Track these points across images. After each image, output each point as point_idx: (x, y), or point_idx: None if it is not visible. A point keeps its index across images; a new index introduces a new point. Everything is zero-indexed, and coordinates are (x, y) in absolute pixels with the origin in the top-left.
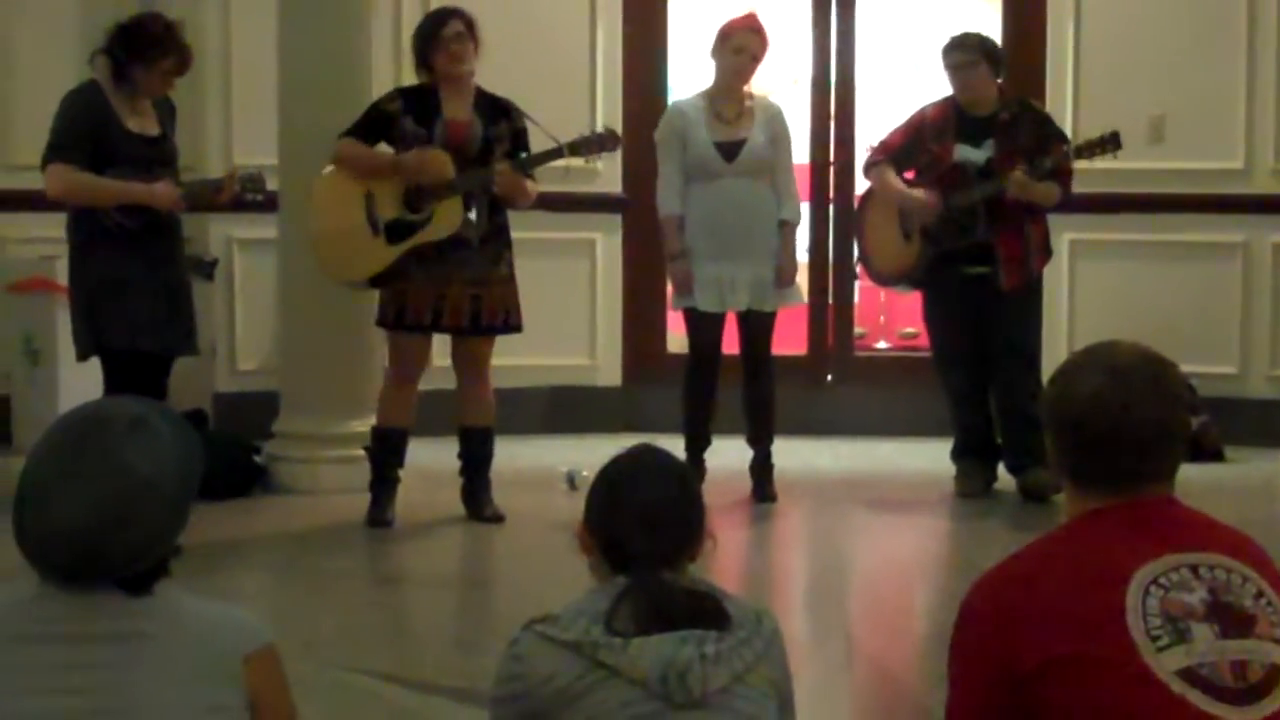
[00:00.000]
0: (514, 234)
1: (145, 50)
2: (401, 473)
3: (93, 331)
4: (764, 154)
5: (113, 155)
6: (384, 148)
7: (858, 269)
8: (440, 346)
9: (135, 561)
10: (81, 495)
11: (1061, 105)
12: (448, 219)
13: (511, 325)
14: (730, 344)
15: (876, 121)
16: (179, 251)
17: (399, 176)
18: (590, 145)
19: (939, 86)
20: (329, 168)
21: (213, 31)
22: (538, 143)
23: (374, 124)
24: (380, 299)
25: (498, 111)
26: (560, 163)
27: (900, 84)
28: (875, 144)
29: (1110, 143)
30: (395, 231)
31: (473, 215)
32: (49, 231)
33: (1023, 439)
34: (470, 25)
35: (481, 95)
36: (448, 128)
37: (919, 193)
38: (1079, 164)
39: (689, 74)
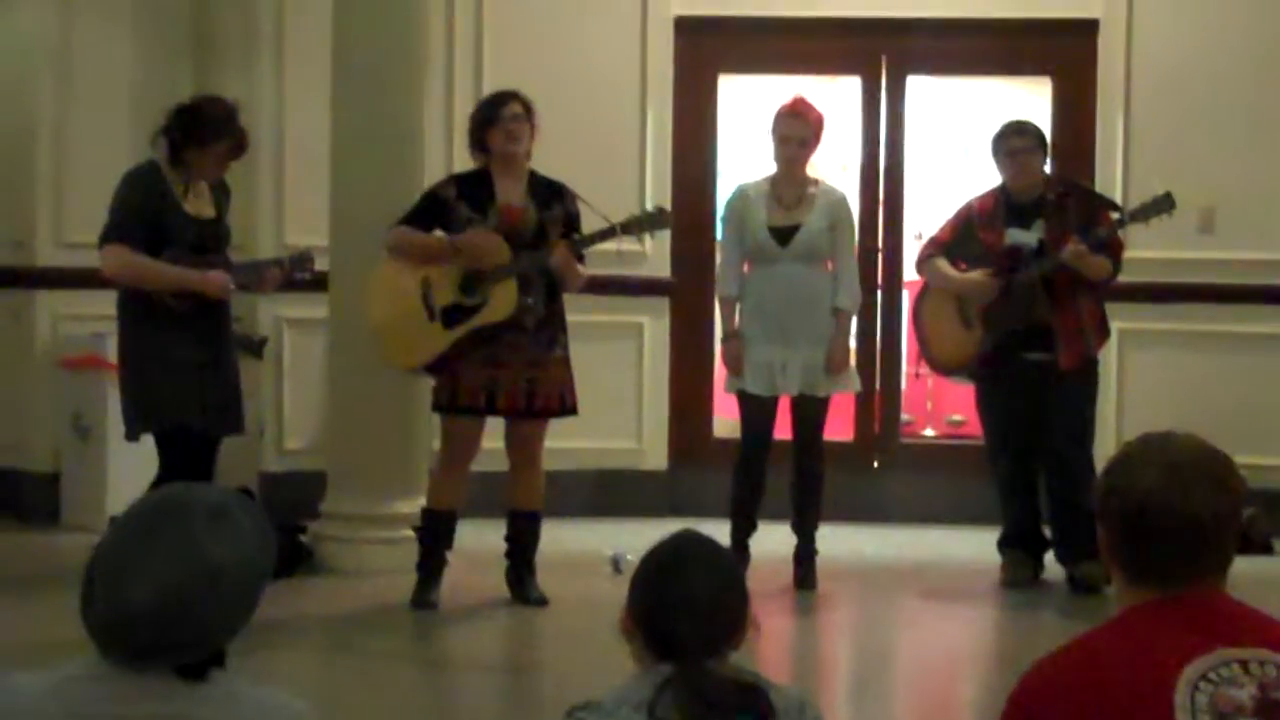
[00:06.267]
0: None
1: (201, 133)
2: (449, 554)
3: (141, 410)
4: (819, 240)
5: (168, 237)
6: (439, 234)
7: (920, 365)
8: (493, 428)
9: (199, 648)
10: (155, 578)
11: (1110, 194)
12: (503, 302)
13: (567, 408)
14: (784, 429)
15: (925, 208)
16: (227, 330)
17: (455, 259)
18: (642, 224)
19: (988, 173)
20: (384, 258)
21: (266, 112)
22: (589, 224)
23: (428, 211)
24: (435, 383)
25: (551, 195)
26: (611, 243)
27: (949, 171)
28: (925, 240)
29: (1164, 204)
30: (451, 316)
31: (531, 300)
32: (101, 309)
33: (1074, 529)
34: (529, 109)
35: (535, 179)
36: (502, 212)
37: (975, 274)
38: (1135, 227)
39: (740, 157)
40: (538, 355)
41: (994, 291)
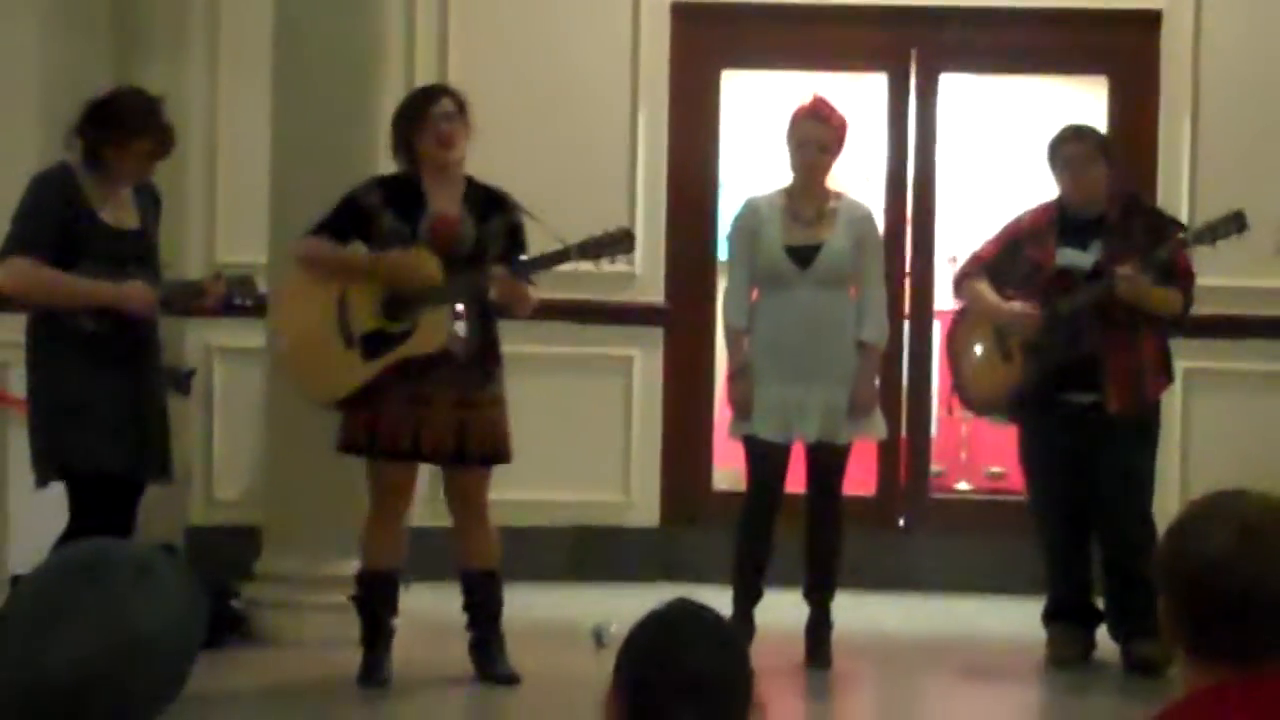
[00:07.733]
0: (536, 349)
1: (118, 129)
2: (397, 621)
3: (54, 453)
4: (844, 261)
5: (82, 249)
6: (359, 247)
7: (952, 401)
8: (433, 476)
9: None
10: (73, 648)
11: (1175, 210)
12: (432, 332)
13: (500, 456)
14: (795, 480)
15: (960, 227)
16: (154, 362)
17: (375, 280)
18: (602, 246)
19: (1034, 186)
20: (294, 270)
21: (197, 109)
22: (538, 240)
23: (348, 219)
24: (345, 419)
25: (491, 205)
26: (567, 266)
27: (987, 184)
28: (965, 257)
29: (1233, 223)
30: (372, 344)
31: (461, 328)
32: (5, 334)
33: (1131, 600)
34: (463, 106)
35: (472, 186)
36: (434, 224)
37: (1017, 305)
38: (1200, 250)
39: (745, 165)
40: (470, 394)
41: (1037, 325)
